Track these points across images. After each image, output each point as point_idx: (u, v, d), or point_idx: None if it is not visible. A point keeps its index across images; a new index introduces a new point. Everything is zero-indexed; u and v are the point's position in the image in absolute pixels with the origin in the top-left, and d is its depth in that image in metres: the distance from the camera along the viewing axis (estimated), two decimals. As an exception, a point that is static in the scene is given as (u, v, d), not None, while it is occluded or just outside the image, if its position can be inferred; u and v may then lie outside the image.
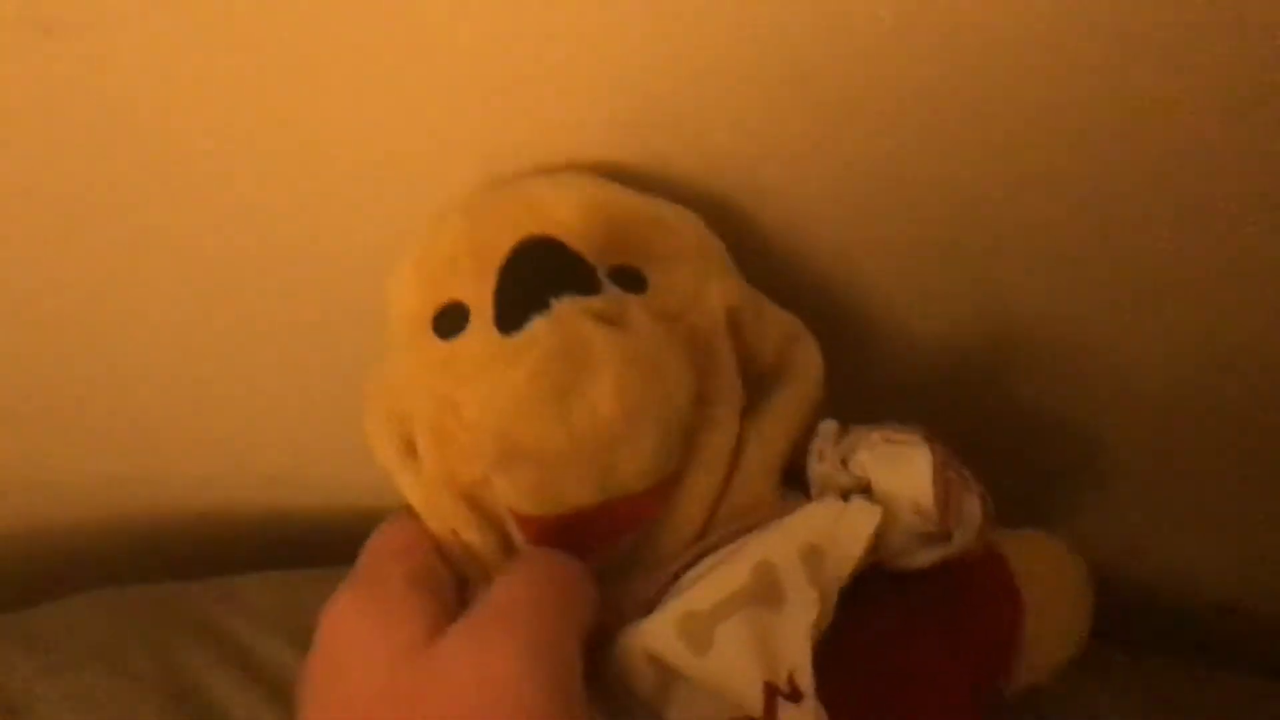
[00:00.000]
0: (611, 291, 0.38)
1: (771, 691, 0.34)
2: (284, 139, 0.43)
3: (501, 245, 0.38)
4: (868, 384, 0.43)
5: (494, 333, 0.37)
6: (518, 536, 0.39)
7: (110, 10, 0.38)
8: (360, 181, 0.45)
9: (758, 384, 0.42)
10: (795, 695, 0.34)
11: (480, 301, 0.39)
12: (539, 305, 0.37)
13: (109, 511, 0.64)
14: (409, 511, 0.41)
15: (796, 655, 0.34)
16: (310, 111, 0.42)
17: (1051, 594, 0.46)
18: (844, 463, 0.39)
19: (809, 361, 0.43)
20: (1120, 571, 0.49)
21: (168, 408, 0.58)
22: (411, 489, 0.40)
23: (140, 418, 0.58)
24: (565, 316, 0.36)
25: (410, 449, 0.41)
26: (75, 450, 0.60)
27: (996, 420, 0.44)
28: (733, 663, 0.34)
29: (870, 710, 0.37)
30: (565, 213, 0.40)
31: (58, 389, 0.56)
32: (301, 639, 0.54)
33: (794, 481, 0.41)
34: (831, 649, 0.35)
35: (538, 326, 0.36)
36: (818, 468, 0.40)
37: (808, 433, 0.41)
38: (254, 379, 0.56)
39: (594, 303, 0.37)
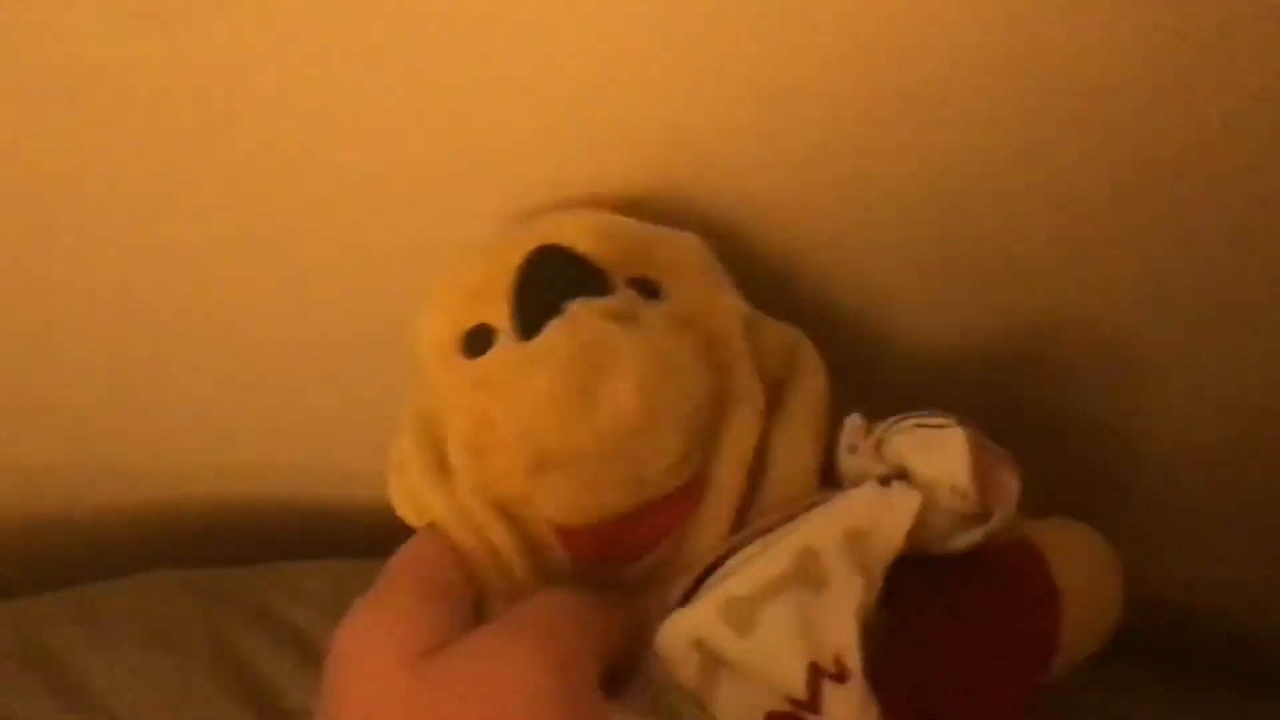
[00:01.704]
0: (624, 293, 0.39)
1: (816, 672, 0.34)
2: (381, 124, 0.44)
3: (515, 265, 0.40)
4: (881, 393, 0.44)
5: (516, 343, 0.38)
6: (559, 553, 0.40)
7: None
8: (396, 193, 0.47)
9: (771, 393, 0.42)
10: (841, 676, 0.34)
11: (504, 320, 0.40)
12: (554, 310, 0.38)
13: (165, 498, 0.65)
14: (432, 530, 0.41)
15: (843, 636, 0.35)
16: (415, 92, 0.43)
17: (1082, 581, 0.46)
18: (877, 450, 0.40)
19: (812, 364, 0.43)
20: (1143, 585, 0.49)
21: (219, 401, 0.59)
22: (443, 503, 0.40)
23: (191, 410, 0.59)
24: (581, 317, 0.37)
25: (442, 468, 0.41)
26: (129, 441, 0.61)
27: (1012, 423, 0.44)
28: (777, 643, 0.35)
29: (918, 707, 0.37)
30: (575, 233, 0.41)
31: (114, 382, 0.57)
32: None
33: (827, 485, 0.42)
34: (876, 649, 0.36)
35: (554, 330, 0.37)
36: (850, 461, 0.40)
37: (832, 432, 0.42)
38: (305, 374, 0.57)
39: (608, 303, 0.38)
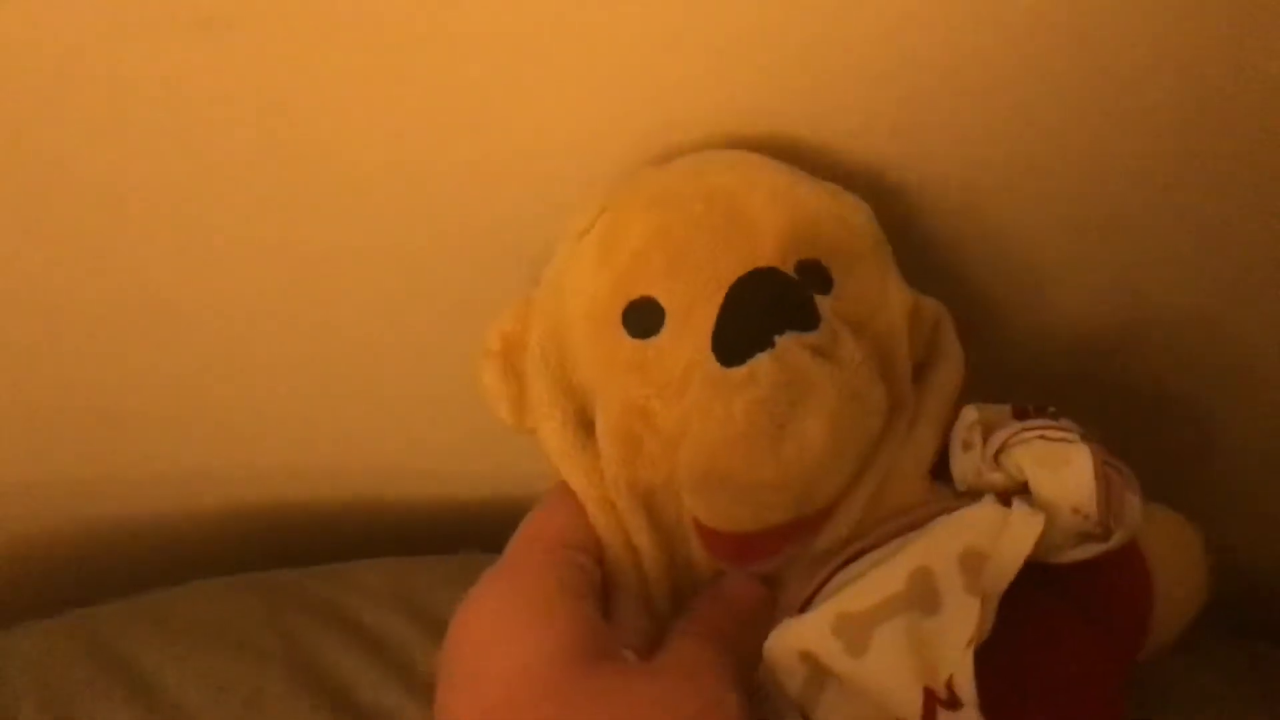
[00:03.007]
0: (826, 320, 0.38)
1: (931, 698, 0.34)
2: (426, 130, 0.44)
3: (703, 251, 0.39)
4: (996, 369, 0.43)
5: (706, 354, 0.37)
6: (695, 544, 0.40)
7: (263, 5, 0.39)
8: (471, 188, 0.46)
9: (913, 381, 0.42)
10: (953, 703, 0.34)
11: (682, 309, 0.38)
12: (763, 343, 0.36)
13: (213, 502, 0.65)
14: (567, 495, 0.40)
15: (956, 663, 0.34)
16: (456, 97, 0.42)
17: (1175, 571, 0.45)
18: (996, 458, 0.39)
19: (952, 350, 0.43)
20: (1235, 557, 0.48)
21: (265, 404, 0.59)
22: (585, 475, 0.40)
23: (236, 413, 0.59)
24: (788, 354, 0.36)
25: (588, 430, 0.40)
26: (177, 446, 0.61)
27: (1120, 398, 0.43)
28: (891, 667, 0.34)
29: (1026, 710, 0.37)
30: (758, 210, 0.39)
31: (171, 388, 0.57)
32: (421, 618, 0.55)
33: (937, 471, 0.41)
34: (980, 651, 0.35)
35: (761, 363, 0.36)
36: (964, 458, 0.40)
37: (951, 422, 0.41)
38: (360, 371, 0.56)
39: (814, 339, 0.37)
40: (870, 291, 0.41)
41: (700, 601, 0.39)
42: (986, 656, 0.35)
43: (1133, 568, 0.44)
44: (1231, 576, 0.47)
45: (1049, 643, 0.39)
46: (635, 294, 0.39)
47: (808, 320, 0.37)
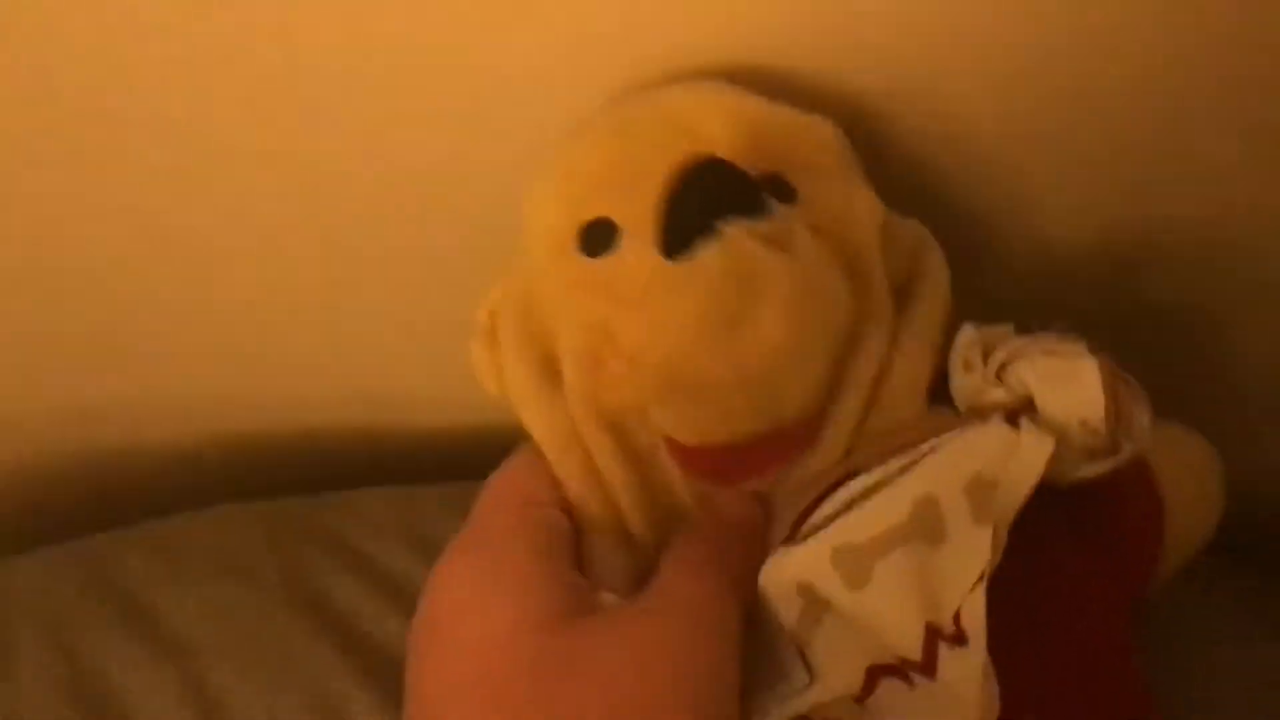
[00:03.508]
0: (777, 212, 0.37)
1: (932, 633, 0.33)
2: (413, 55, 0.43)
3: (651, 161, 0.37)
4: (994, 291, 0.42)
5: (655, 255, 0.36)
6: (672, 468, 0.38)
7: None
8: (487, 98, 0.44)
9: (895, 299, 0.40)
10: (959, 638, 0.33)
11: (632, 220, 0.37)
12: (707, 229, 0.35)
13: (219, 430, 0.65)
14: (531, 451, 0.39)
15: (966, 597, 0.33)
16: (442, 31, 0.41)
17: (1187, 492, 0.44)
18: (998, 374, 0.38)
19: (938, 270, 0.42)
20: (1253, 484, 0.47)
21: (271, 330, 0.58)
22: (547, 418, 0.39)
23: (242, 340, 0.59)
24: (734, 241, 0.35)
25: (551, 374, 0.39)
26: (182, 373, 0.61)
27: (1132, 318, 0.42)
28: (892, 600, 0.33)
29: (1031, 640, 0.36)
30: (712, 126, 0.38)
31: (173, 316, 0.56)
32: (423, 549, 0.55)
33: (936, 395, 0.40)
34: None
35: (706, 252, 0.35)
36: (964, 379, 0.38)
37: (947, 343, 0.40)
38: (358, 299, 0.56)
39: (762, 226, 0.35)
40: (835, 202, 0.39)
41: (692, 524, 0.38)
42: (992, 587, 0.34)
43: (1143, 489, 0.43)
44: (1244, 501, 0.46)
45: (1053, 571, 0.38)
46: (589, 216, 0.38)
47: (755, 206, 0.36)
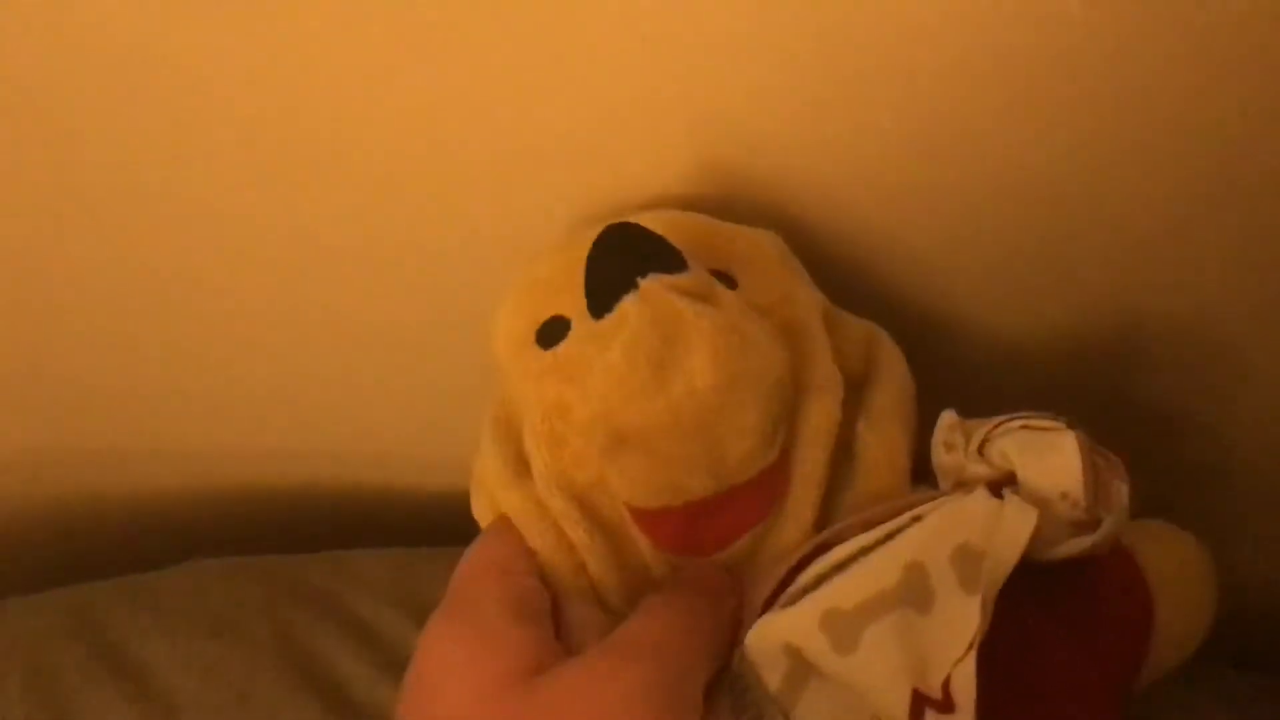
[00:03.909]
0: (699, 272, 0.38)
1: (920, 700, 0.33)
2: (417, 143, 0.45)
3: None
4: (956, 388, 0.42)
5: (590, 324, 0.37)
6: (639, 539, 0.39)
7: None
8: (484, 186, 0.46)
9: (854, 387, 0.41)
10: (947, 705, 0.33)
11: (578, 308, 0.39)
12: (626, 286, 0.37)
13: (221, 482, 0.65)
14: (504, 524, 0.40)
15: (955, 665, 0.33)
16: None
17: (1178, 589, 0.44)
18: (980, 450, 0.38)
19: (893, 356, 0.43)
20: (1242, 580, 0.47)
21: (272, 383, 0.58)
22: (519, 500, 0.40)
23: (252, 392, 0.59)
24: (653, 293, 0.36)
25: (520, 465, 0.40)
26: (189, 423, 0.61)
27: (1110, 417, 0.42)
28: (881, 666, 0.33)
29: (1012, 713, 0.36)
30: (649, 224, 0.39)
31: (173, 364, 0.57)
32: (418, 614, 0.55)
33: (919, 478, 0.41)
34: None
35: (626, 305, 0.36)
36: (946, 458, 0.39)
37: (921, 427, 0.41)
38: (369, 360, 0.56)
39: (681, 280, 0.37)
40: (775, 290, 0.41)
41: (662, 588, 0.39)
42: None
43: (1128, 578, 0.43)
44: (1238, 600, 0.46)
45: (1036, 655, 0.38)
46: (544, 316, 0.41)
47: (671, 263, 0.37)
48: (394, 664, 0.53)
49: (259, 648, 0.54)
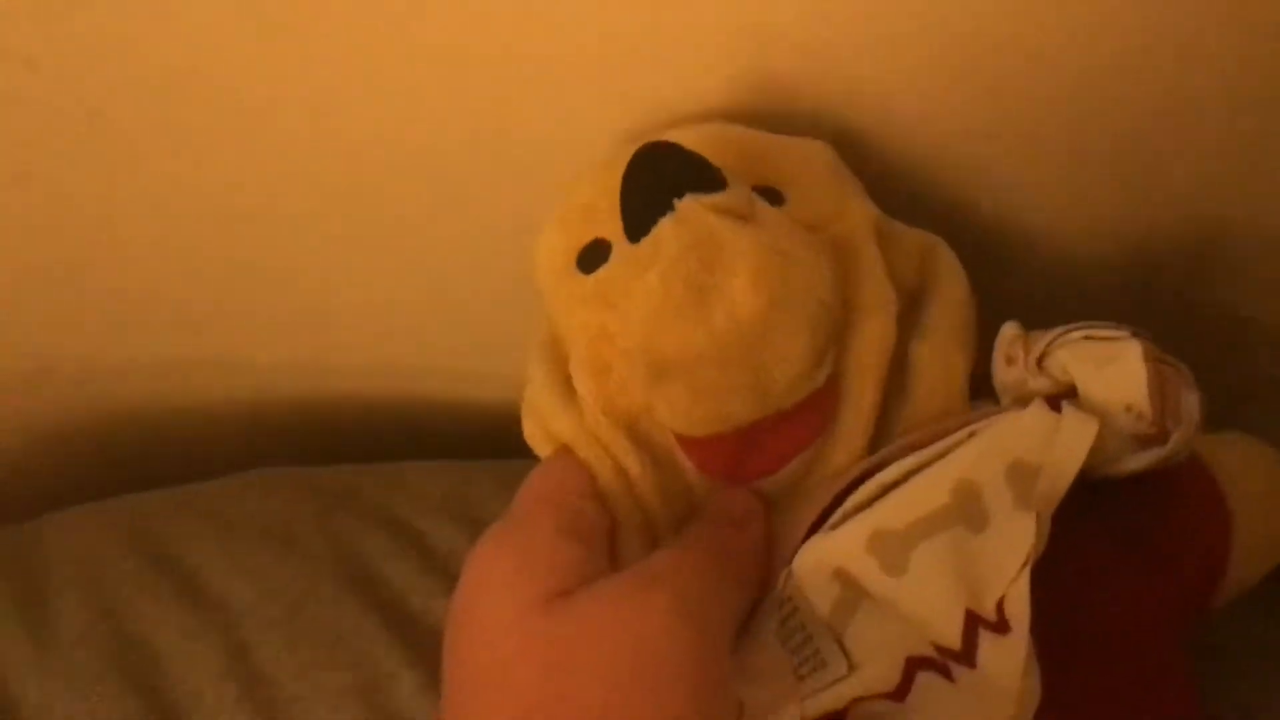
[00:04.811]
0: (739, 190, 0.37)
1: (973, 620, 0.32)
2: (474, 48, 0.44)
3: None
4: (1021, 299, 0.41)
5: (628, 248, 0.37)
6: (686, 465, 0.38)
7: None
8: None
9: (909, 302, 0.40)
10: (1001, 626, 0.32)
11: (619, 233, 0.38)
12: (662, 207, 0.35)
13: (281, 395, 0.65)
14: (565, 452, 0.40)
15: (1011, 584, 0.32)
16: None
17: (1257, 502, 0.42)
18: (1039, 364, 0.37)
19: (951, 269, 0.41)
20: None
21: (346, 298, 0.58)
22: (571, 427, 0.39)
23: (315, 306, 0.59)
24: (690, 214, 0.35)
25: (569, 391, 0.40)
26: (242, 336, 0.61)
27: (1179, 330, 0.41)
28: (932, 587, 0.32)
29: (1070, 643, 0.35)
30: (690, 140, 0.38)
31: (235, 277, 0.57)
32: (472, 527, 0.55)
33: (980, 393, 0.39)
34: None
35: (662, 228, 0.35)
36: (1007, 373, 0.37)
37: (982, 341, 0.39)
38: (430, 271, 0.56)
39: (720, 199, 0.36)
40: (826, 206, 0.40)
41: (695, 518, 0.38)
42: (1035, 586, 0.32)
43: (1204, 499, 0.41)
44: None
45: (1099, 581, 0.37)
46: (585, 240, 0.41)
47: (709, 181, 0.36)
48: (449, 576, 0.53)
49: (315, 559, 0.54)
